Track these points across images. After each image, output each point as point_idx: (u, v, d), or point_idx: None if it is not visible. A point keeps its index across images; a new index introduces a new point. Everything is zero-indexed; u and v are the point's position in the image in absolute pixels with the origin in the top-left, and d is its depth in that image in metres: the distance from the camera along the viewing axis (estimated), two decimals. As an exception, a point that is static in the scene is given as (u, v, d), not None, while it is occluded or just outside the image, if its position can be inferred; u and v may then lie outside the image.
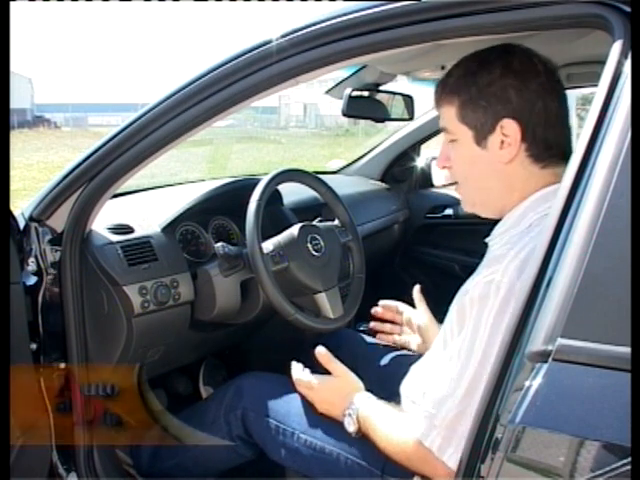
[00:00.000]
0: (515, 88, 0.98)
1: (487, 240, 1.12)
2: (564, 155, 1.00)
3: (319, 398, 1.21)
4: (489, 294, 0.93)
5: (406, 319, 1.47)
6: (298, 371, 1.26)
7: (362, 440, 1.15)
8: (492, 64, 0.99)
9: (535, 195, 1.01)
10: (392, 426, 1.07)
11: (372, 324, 1.51)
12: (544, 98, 0.98)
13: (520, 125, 0.98)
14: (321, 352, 1.22)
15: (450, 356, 0.98)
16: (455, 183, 1.13)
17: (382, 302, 1.51)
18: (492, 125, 0.99)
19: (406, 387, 1.17)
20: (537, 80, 0.98)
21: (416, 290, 1.46)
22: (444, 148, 1.09)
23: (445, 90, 1.04)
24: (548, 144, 1.00)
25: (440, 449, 0.96)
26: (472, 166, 1.04)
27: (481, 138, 1.01)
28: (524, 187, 1.01)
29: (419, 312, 1.44)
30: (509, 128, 0.98)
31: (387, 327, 1.49)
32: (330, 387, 1.21)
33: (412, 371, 1.19)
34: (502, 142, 0.99)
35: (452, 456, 0.94)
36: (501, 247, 0.99)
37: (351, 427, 1.13)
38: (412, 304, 1.46)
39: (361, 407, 1.13)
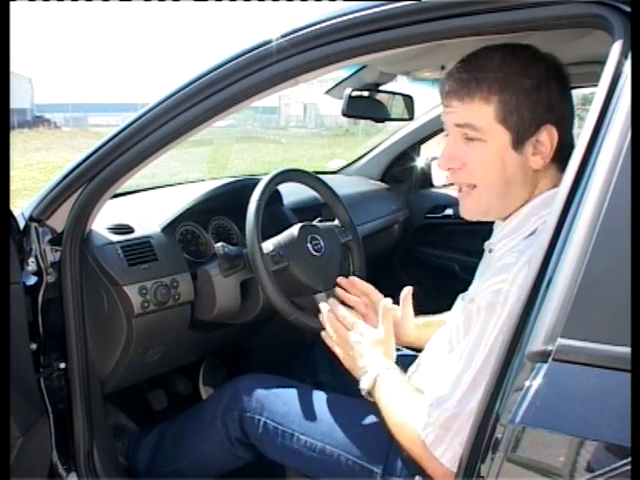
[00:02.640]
0: (557, 94, 0.97)
1: (488, 244, 1.11)
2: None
3: (355, 346, 1.18)
4: (497, 303, 0.92)
5: (374, 306, 1.36)
6: (340, 306, 1.24)
7: (363, 440, 1.15)
8: (536, 66, 0.97)
9: (537, 199, 1.00)
10: (402, 408, 1.05)
11: (338, 290, 1.38)
12: (570, 101, 0.99)
13: (558, 132, 0.96)
14: (387, 305, 1.21)
15: (453, 358, 0.99)
16: (464, 183, 1.04)
17: (352, 278, 1.42)
18: (533, 130, 0.97)
19: (419, 378, 1.17)
20: (567, 83, 0.99)
21: (404, 292, 1.35)
22: (453, 147, 1.02)
23: (481, 86, 0.97)
24: (571, 148, 0.98)
25: (433, 445, 0.97)
26: (502, 169, 0.99)
27: (519, 142, 0.97)
28: (537, 190, 1.01)
29: (399, 311, 1.36)
30: (548, 135, 0.96)
31: (352, 300, 1.36)
32: (373, 341, 1.18)
33: (424, 365, 1.19)
34: (534, 147, 0.97)
35: (445, 453, 0.95)
36: (508, 254, 0.98)
37: (365, 385, 1.12)
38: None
39: (384, 373, 1.11)
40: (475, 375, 0.93)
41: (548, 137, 0.97)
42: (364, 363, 1.16)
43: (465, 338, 0.97)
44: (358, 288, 1.39)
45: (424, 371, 1.19)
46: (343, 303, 1.33)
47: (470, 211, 1.06)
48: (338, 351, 1.22)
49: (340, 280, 1.40)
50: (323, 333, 1.26)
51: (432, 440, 0.97)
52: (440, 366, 1.08)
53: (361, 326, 1.21)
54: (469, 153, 1.00)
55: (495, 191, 1.01)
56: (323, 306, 1.28)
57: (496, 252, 1.04)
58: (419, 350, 1.31)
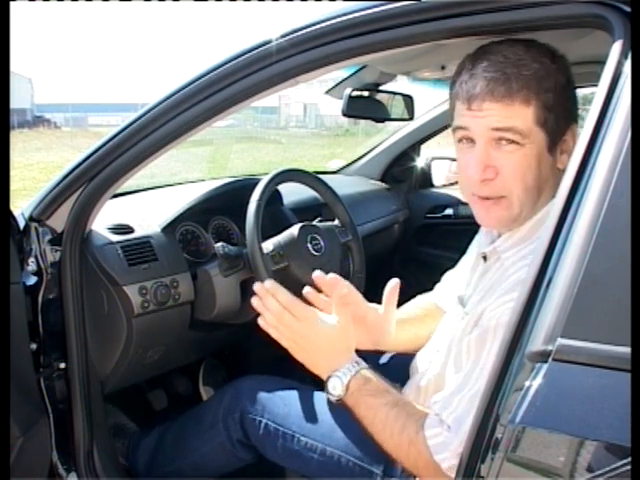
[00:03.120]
0: (574, 92, 0.96)
1: (487, 250, 1.08)
2: None
3: (307, 339, 1.04)
4: None
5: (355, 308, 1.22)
6: (283, 292, 1.06)
7: (363, 441, 1.15)
8: (559, 62, 0.94)
9: (546, 207, 0.96)
10: (397, 423, 0.97)
11: (308, 290, 1.16)
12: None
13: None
14: (345, 293, 1.06)
15: (466, 376, 0.94)
16: (494, 196, 0.96)
17: (332, 276, 1.15)
18: (564, 130, 0.95)
19: (426, 380, 1.12)
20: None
21: (390, 284, 1.22)
22: (485, 155, 0.93)
23: (520, 85, 0.90)
24: None
25: (450, 469, 0.89)
26: (537, 174, 0.94)
27: (554, 143, 0.94)
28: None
29: (380, 308, 1.23)
30: (572, 132, 0.95)
31: (322, 303, 1.15)
32: (328, 332, 1.04)
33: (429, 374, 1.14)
34: (561, 146, 0.96)
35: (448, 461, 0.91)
36: (518, 265, 0.94)
37: (336, 391, 1.00)
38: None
39: (357, 377, 1.00)
40: None
41: (572, 134, 0.95)
42: (325, 361, 1.04)
43: (482, 355, 0.92)
44: (337, 288, 1.14)
45: (428, 384, 1.13)
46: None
47: (500, 220, 0.99)
48: (286, 344, 1.07)
49: (317, 276, 1.15)
50: (261, 323, 1.08)
51: (449, 466, 0.91)
52: (449, 382, 1.01)
53: (313, 315, 1.06)
54: (504, 160, 0.93)
55: (529, 198, 0.95)
56: (258, 290, 1.09)
57: (504, 262, 1.00)
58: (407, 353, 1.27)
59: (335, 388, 1.01)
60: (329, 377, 1.03)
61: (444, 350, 1.10)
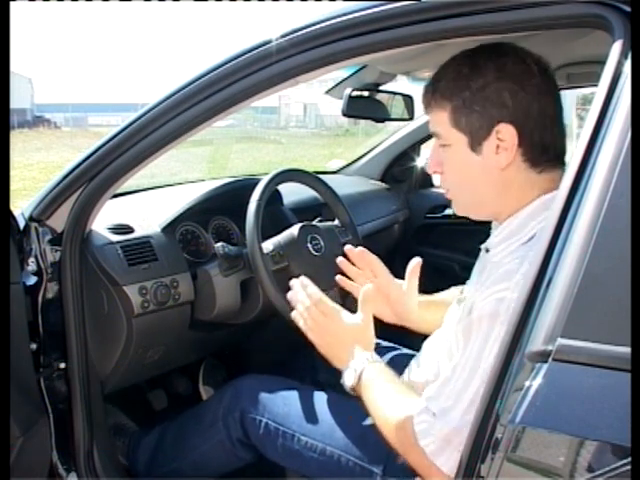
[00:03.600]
0: (510, 91, 0.95)
1: (485, 246, 1.09)
2: (559, 158, 1.00)
3: (331, 333, 1.13)
4: (499, 312, 0.89)
5: (377, 282, 1.33)
6: (318, 291, 1.17)
7: (363, 441, 1.15)
8: (484, 66, 0.96)
9: (535, 203, 0.98)
10: (393, 409, 1.02)
11: (341, 260, 1.33)
12: (539, 100, 0.96)
13: (517, 129, 0.95)
14: (368, 291, 1.15)
15: (454, 368, 0.95)
16: (444, 189, 1.08)
17: (361, 249, 1.34)
18: (487, 130, 0.96)
19: (423, 362, 1.16)
20: (532, 81, 0.96)
21: (412, 263, 1.31)
22: (435, 153, 1.05)
23: (435, 94, 1.00)
24: (545, 147, 0.97)
25: (433, 454, 0.94)
26: (466, 172, 1.01)
27: (476, 143, 0.98)
28: (521, 193, 0.99)
29: (404, 284, 1.31)
30: (505, 133, 0.95)
31: (354, 272, 1.33)
32: (350, 328, 1.13)
33: (423, 366, 1.17)
34: (498, 147, 0.96)
35: (446, 462, 0.92)
36: (507, 259, 0.96)
37: (349, 382, 1.07)
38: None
39: (369, 368, 1.07)
40: (479, 387, 0.89)
41: (508, 135, 0.96)
42: (344, 355, 1.11)
43: (467, 347, 0.94)
44: (365, 260, 1.33)
45: (422, 372, 1.18)
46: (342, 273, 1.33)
47: (455, 207, 1.09)
48: (312, 336, 1.15)
49: (348, 249, 1.33)
50: (293, 314, 1.18)
51: (432, 450, 0.93)
52: (440, 372, 1.05)
53: (338, 312, 1.15)
54: (444, 160, 1.04)
55: (466, 191, 1.04)
56: (294, 284, 1.21)
57: (494, 256, 1.02)
58: (417, 339, 1.29)
59: (349, 378, 1.08)
60: (345, 368, 1.10)
61: (439, 343, 1.13)
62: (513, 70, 0.96)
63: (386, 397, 1.04)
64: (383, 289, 1.33)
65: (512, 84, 0.95)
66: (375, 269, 1.34)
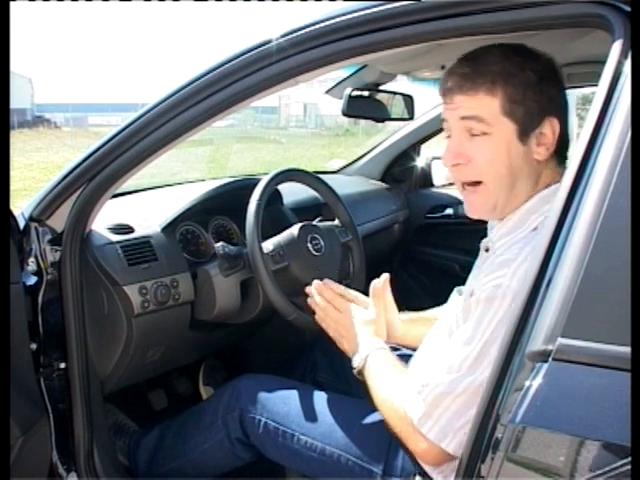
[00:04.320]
0: (556, 87, 1.00)
1: (483, 244, 1.11)
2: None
3: (346, 327, 1.23)
4: (496, 297, 0.92)
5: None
6: (337, 285, 1.29)
7: (363, 440, 1.15)
8: (538, 59, 0.99)
9: (537, 196, 1.01)
10: (390, 387, 1.08)
11: (309, 300, 1.31)
12: (566, 99, 1.02)
13: (559, 124, 0.99)
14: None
15: (449, 343, 1.00)
16: (453, 184, 1.09)
17: (326, 281, 1.32)
18: (538, 121, 0.98)
19: (413, 367, 1.18)
20: (563, 82, 1.02)
21: (378, 282, 1.28)
22: (457, 143, 1.02)
23: (484, 79, 0.98)
24: (568, 142, 1.02)
25: (420, 421, 0.97)
26: (508, 161, 0.99)
27: (525, 133, 0.98)
28: (538, 185, 1.01)
29: (371, 305, 1.28)
30: (550, 126, 0.98)
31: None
32: (363, 322, 1.22)
33: (417, 358, 1.20)
34: (538, 139, 0.99)
35: (432, 429, 0.96)
36: (508, 250, 0.98)
37: (356, 363, 1.16)
38: (412, 304, 1.45)
39: (375, 353, 1.15)
40: (471, 362, 0.93)
41: (551, 128, 0.99)
42: (355, 343, 1.19)
43: (462, 327, 0.98)
44: (333, 290, 1.30)
45: (421, 362, 1.18)
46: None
47: (478, 208, 1.05)
48: (332, 334, 1.26)
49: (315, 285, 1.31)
50: (317, 316, 1.29)
51: (419, 417, 0.97)
52: (436, 351, 1.08)
53: (351, 308, 1.25)
54: (475, 148, 1.00)
55: (503, 184, 1.00)
56: (308, 290, 1.31)
57: (496, 250, 1.04)
58: (414, 349, 1.30)
59: (356, 361, 1.16)
60: (355, 353, 1.18)
61: (438, 335, 1.14)
62: (553, 68, 1.00)
63: (388, 382, 1.09)
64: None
65: (557, 81, 1.00)
66: (345, 296, 1.30)
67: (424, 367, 1.08)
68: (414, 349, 1.29)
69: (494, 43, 1.00)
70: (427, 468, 1.01)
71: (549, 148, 0.99)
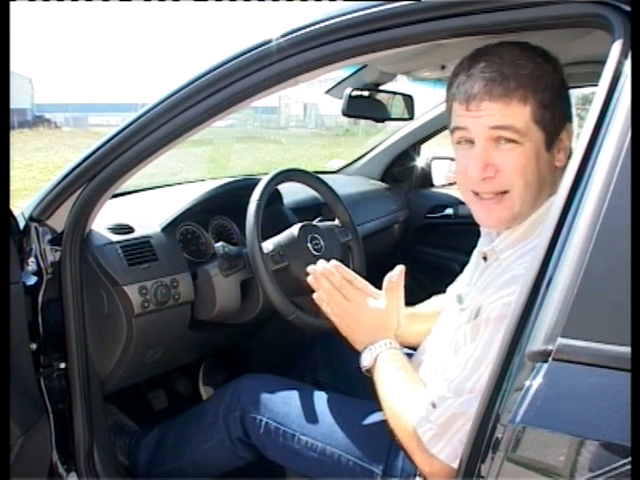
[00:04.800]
0: (568, 92, 0.99)
1: (484, 250, 1.08)
2: None
3: (354, 317, 1.17)
4: (506, 316, 0.86)
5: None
6: (346, 270, 1.20)
7: (363, 441, 1.15)
8: (555, 64, 0.97)
9: (544, 206, 0.98)
10: (399, 396, 1.05)
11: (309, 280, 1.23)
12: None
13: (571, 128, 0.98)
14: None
15: (459, 362, 0.97)
16: (496, 191, 0.98)
17: (334, 263, 1.23)
18: (560, 128, 0.97)
19: (421, 360, 1.17)
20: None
21: (393, 274, 1.21)
22: (487, 153, 0.95)
23: (517, 85, 0.92)
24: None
25: (430, 442, 0.96)
26: (536, 171, 0.95)
27: (550, 141, 0.96)
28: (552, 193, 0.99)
29: (382, 298, 1.22)
30: (569, 131, 0.97)
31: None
32: (373, 314, 1.17)
33: (425, 362, 1.18)
34: (558, 145, 0.98)
35: (443, 450, 0.95)
36: (516, 264, 0.95)
37: (366, 362, 1.12)
38: (412, 304, 1.45)
39: (386, 352, 1.11)
40: (479, 382, 0.91)
41: (567, 134, 0.98)
42: (365, 338, 1.15)
43: (473, 345, 0.96)
44: (342, 275, 1.22)
45: (425, 371, 1.18)
46: None
47: (500, 219, 1.00)
48: (334, 319, 1.18)
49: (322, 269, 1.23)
50: (316, 296, 1.20)
51: (429, 438, 0.96)
52: (441, 365, 1.07)
53: (360, 297, 1.18)
54: (503, 157, 0.95)
55: (530, 194, 0.97)
56: (311, 270, 1.21)
57: (503, 261, 1.01)
58: (412, 347, 1.29)
59: (366, 359, 1.13)
60: (364, 349, 1.14)
61: (441, 343, 1.13)
62: (563, 70, 0.99)
63: (395, 384, 1.07)
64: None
65: (567, 87, 0.99)
66: (353, 283, 1.23)
67: (432, 381, 1.04)
68: (412, 347, 1.28)
69: (508, 40, 0.96)
70: None
71: (567, 153, 0.97)
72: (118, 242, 1.39)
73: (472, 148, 0.98)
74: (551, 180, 0.98)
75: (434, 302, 1.41)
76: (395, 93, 1.90)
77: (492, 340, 0.92)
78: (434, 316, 1.31)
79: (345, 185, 2.23)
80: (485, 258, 1.09)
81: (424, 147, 2.62)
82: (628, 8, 0.78)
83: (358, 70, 1.78)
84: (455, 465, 0.92)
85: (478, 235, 1.19)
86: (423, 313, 1.37)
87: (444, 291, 1.39)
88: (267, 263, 1.39)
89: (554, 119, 0.95)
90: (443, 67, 1.50)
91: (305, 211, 1.85)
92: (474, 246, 1.19)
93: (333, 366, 1.48)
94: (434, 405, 0.96)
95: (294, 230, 1.50)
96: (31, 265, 1.28)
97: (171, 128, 1.17)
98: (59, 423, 1.33)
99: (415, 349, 1.28)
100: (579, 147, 0.76)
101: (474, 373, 0.93)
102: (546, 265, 0.74)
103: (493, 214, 1.00)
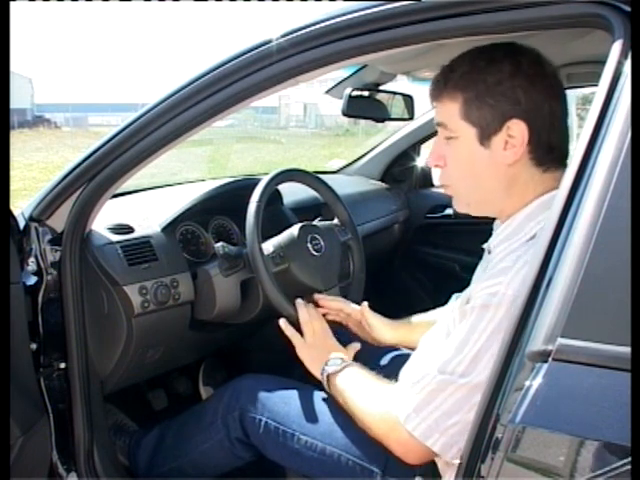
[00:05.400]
0: (524, 89, 0.96)
1: (486, 246, 1.11)
2: (563, 159, 1.02)
3: (302, 356, 1.30)
4: (490, 305, 0.93)
5: (351, 319, 1.48)
6: (288, 327, 1.33)
7: (363, 440, 1.15)
8: (501, 62, 0.98)
9: (536, 202, 1.00)
10: (368, 396, 1.10)
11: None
12: (550, 100, 0.98)
13: (527, 127, 0.97)
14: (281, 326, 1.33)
15: (444, 345, 1.00)
16: (444, 184, 1.09)
17: (318, 297, 1.47)
18: (499, 125, 0.98)
19: (403, 373, 1.19)
20: (545, 82, 0.98)
21: (360, 308, 1.44)
22: (438, 146, 1.06)
23: (448, 85, 1.01)
24: (551, 147, 0.99)
25: (407, 418, 0.99)
26: (471, 165, 1.02)
27: (485, 137, 0.99)
28: (524, 190, 1.01)
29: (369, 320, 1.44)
30: (516, 129, 0.97)
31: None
32: (308, 346, 1.30)
33: (411, 360, 1.20)
34: (506, 142, 0.98)
35: (419, 426, 0.97)
36: (506, 257, 0.98)
37: (326, 388, 1.20)
38: (412, 304, 1.46)
39: (331, 369, 1.20)
40: (464, 368, 0.94)
41: (519, 131, 0.97)
42: (316, 369, 1.25)
43: (457, 329, 0.99)
44: (331, 307, 1.46)
45: (416, 361, 1.19)
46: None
47: (455, 203, 1.09)
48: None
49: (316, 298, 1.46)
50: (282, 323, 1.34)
51: (408, 412, 0.99)
52: (431, 352, 1.09)
53: (296, 335, 1.32)
54: (448, 152, 1.04)
55: (469, 186, 1.04)
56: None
57: (496, 255, 1.04)
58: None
59: (324, 384, 1.22)
60: (321, 375, 1.23)
61: (435, 336, 1.15)
62: (528, 69, 0.97)
63: (363, 391, 1.13)
64: (356, 321, 1.47)
65: (526, 82, 0.97)
66: (343, 310, 1.46)
67: (417, 365, 1.09)
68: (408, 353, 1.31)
69: (474, 47, 1.01)
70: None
71: (517, 153, 0.98)
72: (118, 242, 1.39)
73: None
74: (501, 176, 1.00)
75: (441, 311, 1.42)
76: (395, 93, 1.90)
77: (475, 327, 0.94)
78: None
79: (345, 185, 2.23)
80: (489, 252, 1.11)
81: (424, 147, 2.62)
82: (628, 8, 0.78)
83: (358, 70, 1.78)
84: (430, 444, 0.96)
85: (478, 235, 1.19)
86: (426, 322, 1.39)
87: (444, 290, 1.40)
88: (267, 263, 1.39)
89: (485, 116, 0.98)
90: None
91: (305, 211, 1.85)
92: (474, 246, 1.19)
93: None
94: (414, 382, 0.99)
95: (294, 230, 1.50)
96: (31, 265, 1.28)
97: (171, 128, 1.17)
98: (59, 423, 1.34)
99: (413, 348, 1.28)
100: (579, 147, 0.76)
101: (457, 355, 0.95)
102: (546, 265, 0.74)
103: (454, 202, 1.09)
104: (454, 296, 1.28)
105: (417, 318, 1.45)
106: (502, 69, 0.97)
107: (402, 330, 1.43)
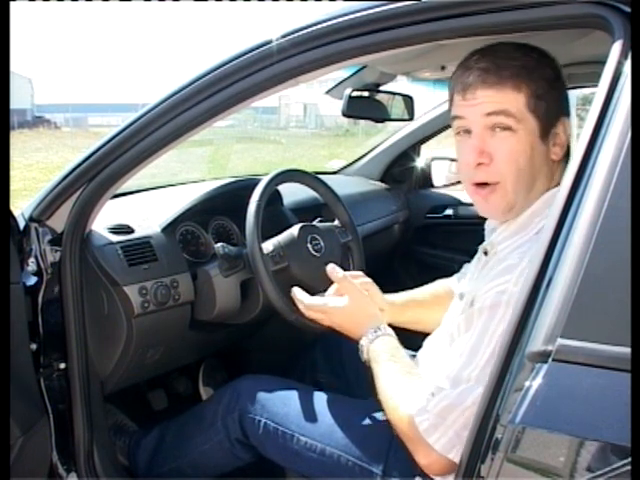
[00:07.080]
0: (564, 89, 1.01)
1: (485, 245, 1.10)
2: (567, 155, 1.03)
3: (334, 323, 1.23)
4: (500, 303, 0.92)
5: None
6: (307, 296, 1.26)
7: (363, 441, 1.15)
8: (548, 60, 1.00)
9: (542, 199, 1.00)
10: (394, 388, 1.06)
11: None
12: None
13: (569, 124, 0.99)
14: (332, 270, 1.25)
15: (455, 353, 0.99)
16: (490, 182, 1.00)
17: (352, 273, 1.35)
18: (555, 119, 0.99)
19: (423, 358, 1.18)
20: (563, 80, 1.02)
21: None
22: (483, 140, 0.98)
23: (511, 73, 0.96)
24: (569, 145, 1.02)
25: (426, 432, 0.97)
26: (530, 160, 0.98)
27: (545, 131, 0.98)
28: (541, 186, 1.01)
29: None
30: (564, 125, 0.99)
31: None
32: (343, 312, 1.21)
33: (425, 359, 1.19)
34: (554, 138, 1.00)
35: (439, 440, 0.95)
36: (511, 254, 0.97)
37: (363, 356, 1.14)
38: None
39: (375, 342, 1.13)
40: (479, 372, 0.92)
41: (563, 128, 0.99)
42: (355, 331, 1.18)
43: (467, 335, 0.97)
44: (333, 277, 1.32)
45: (426, 369, 1.18)
46: None
47: (497, 208, 1.02)
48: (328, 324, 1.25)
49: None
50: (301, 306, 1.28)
51: (426, 427, 0.96)
52: (440, 359, 1.08)
53: (327, 307, 1.23)
54: (498, 145, 0.98)
55: (523, 183, 0.99)
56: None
57: (499, 253, 1.03)
58: (417, 339, 1.30)
59: (362, 352, 1.15)
60: (359, 341, 1.16)
61: (441, 339, 1.14)
62: (560, 67, 1.01)
63: (389, 376, 1.08)
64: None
65: (563, 81, 1.01)
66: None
67: (430, 375, 1.06)
68: (412, 347, 1.29)
69: (502, 41, 0.99)
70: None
71: (563, 148, 1.00)
72: (118, 242, 1.39)
73: (469, 136, 1.01)
74: (547, 173, 1.00)
75: (434, 286, 1.42)
76: (395, 94, 1.90)
77: (487, 328, 0.93)
78: (434, 301, 1.34)
79: (345, 185, 2.23)
80: (486, 253, 1.10)
81: (424, 147, 2.62)
82: (628, 9, 0.78)
83: (358, 70, 1.78)
84: (451, 456, 0.94)
85: (478, 235, 1.19)
86: (421, 299, 1.38)
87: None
88: (267, 264, 1.39)
89: (548, 110, 0.98)
90: (443, 68, 1.50)
91: (305, 212, 1.85)
92: (474, 246, 1.19)
93: (333, 366, 1.48)
94: (432, 395, 0.97)
95: (294, 231, 1.50)
96: (31, 265, 1.28)
97: (171, 128, 1.17)
98: (59, 423, 1.33)
99: (416, 349, 1.28)
100: (579, 147, 0.76)
101: (470, 362, 0.94)
102: (546, 265, 0.75)
103: (488, 204, 1.03)
104: (456, 295, 1.28)
105: (405, 297, 1.38)
106: (553, 67, 1.00)
107: (399, 309, 1.36)
